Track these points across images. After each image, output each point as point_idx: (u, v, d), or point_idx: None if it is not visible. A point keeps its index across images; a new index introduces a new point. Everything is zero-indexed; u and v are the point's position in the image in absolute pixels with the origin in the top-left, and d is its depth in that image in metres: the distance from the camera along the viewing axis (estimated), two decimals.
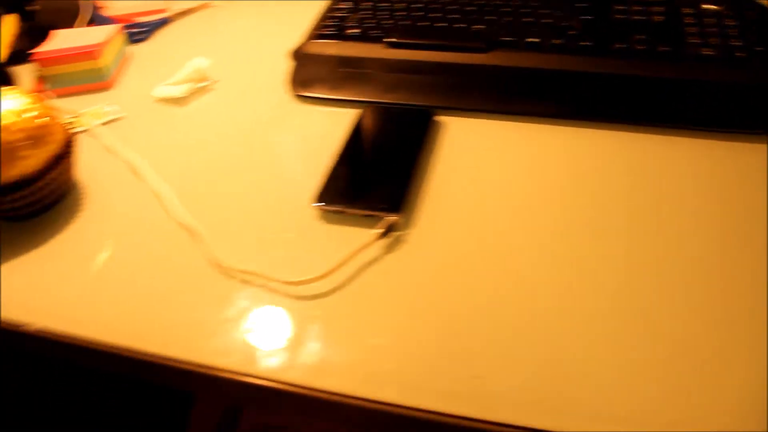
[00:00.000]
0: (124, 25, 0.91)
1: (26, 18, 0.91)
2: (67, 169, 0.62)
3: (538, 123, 0.66)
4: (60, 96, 0.79)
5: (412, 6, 0.81)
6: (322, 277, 0.51)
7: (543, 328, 0.47)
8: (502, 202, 0.57)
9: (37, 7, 0.92)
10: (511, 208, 0.57)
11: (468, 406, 0.43)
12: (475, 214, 0.57)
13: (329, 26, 0.80)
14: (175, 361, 0.48)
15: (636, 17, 0.75)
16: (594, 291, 0.49)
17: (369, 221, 0.56)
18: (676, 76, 0.67)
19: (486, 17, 0.77)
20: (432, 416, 0.43)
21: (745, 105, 0.64)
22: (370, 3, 0.83)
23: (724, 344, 0.45)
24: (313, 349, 0.47)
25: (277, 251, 0.55)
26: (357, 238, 0.54)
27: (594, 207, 0.56)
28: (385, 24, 0.79)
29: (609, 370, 0.44)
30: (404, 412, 0.43)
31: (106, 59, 0.79)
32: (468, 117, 0.68)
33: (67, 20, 0.92)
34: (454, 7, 0.80)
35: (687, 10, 0.75)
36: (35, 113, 0.59)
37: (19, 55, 0.86)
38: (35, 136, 0.58)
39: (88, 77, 0.79)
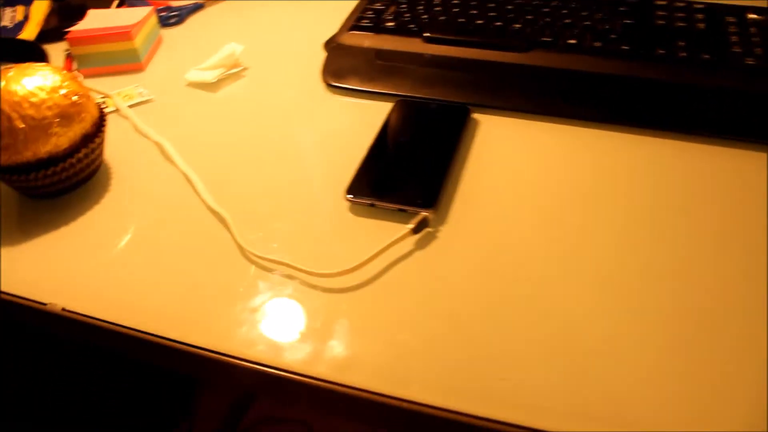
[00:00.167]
0: (157, 8, 0.90)
1: None
2: (97, 149, 0.61)
3: (574, 125, 0.64)
4: (91, 76, 0.79)
5: (450, 2, 0.80)
6: (351, 270, 0.50)
7: (571, 330, 0.46)
8: (533, 204, 0.56)
9: None
10: (542, 209, 0.56)
11: (494, 408, 0.41)
12: (507, 213, 0.55)
13: (366, 18, 0.79)
14: (198, 348, 0.47)
15: (678, 23, 0.73)
16: (616, 292, 0.48)
17: (401, 216, 0.55)
18: (719, 84, 0.66)
19: (525, 17, 0.76)
20: (458, 417, 0.42)
21: None
22: None
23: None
24: (339, 344, 0.46)
25: (306, 242, 0.54)
26: (388, 233, 0.53)
27: (625, 213, 0.55)
28: (423, 19, 0.78)
29: (625, 373, 0.43)
30: (429, 411, 0.42)
31: (139, 41, 0.79)
32: (503, 116, 0.67)
33: (100, 1, 0.92)
34: (493, 5, 0.79)
35: (730, 19, 0.74)
36: (67, 91, 0.58)
37: (50, 34, 0.86)
38: (66, 114, 0.57)
39: (120, 58, 0.78)
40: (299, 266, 0.51)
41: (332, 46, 0.78)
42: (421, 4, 0.80)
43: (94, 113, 0.61)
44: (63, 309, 0.50)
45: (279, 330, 0.47)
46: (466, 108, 0.65)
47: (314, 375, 0.44)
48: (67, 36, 0.77)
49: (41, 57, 0.80)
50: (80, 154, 0.58)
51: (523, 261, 0.51)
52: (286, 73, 0.77)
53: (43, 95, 0.56)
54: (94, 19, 0.80)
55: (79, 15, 0.82)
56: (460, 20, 0.76)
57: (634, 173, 0.59)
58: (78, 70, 0.79)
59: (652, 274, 0.49)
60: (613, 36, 0.72)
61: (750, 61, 0.67)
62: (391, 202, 0.55)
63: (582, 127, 0.64)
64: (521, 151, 0.62)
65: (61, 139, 0.57)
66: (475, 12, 0.77)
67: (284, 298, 0.50)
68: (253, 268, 0.53)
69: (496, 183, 0.58)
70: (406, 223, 0.53)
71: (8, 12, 0.88)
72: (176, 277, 0.52)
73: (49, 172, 0.57)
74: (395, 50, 0.75)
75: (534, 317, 0.47)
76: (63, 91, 0.58)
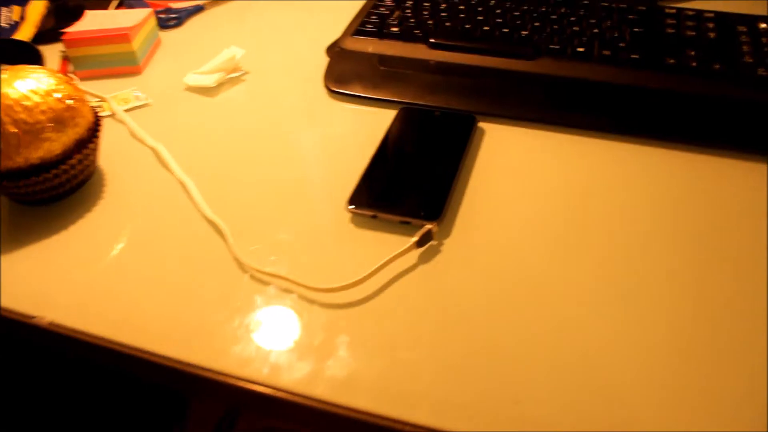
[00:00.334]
0: (156, 10, 0.89)
1: None
2: (91, 155, 0.59)
3: (583, 136, 0.63)
4: (87, 78, 0.77)
5: (456, 8, 0.78)
6: (352, 285, 0.49)
7: (583, 345, 0.44)
8: (541, 216, 0.54)
9: None
10: (549, 221, 0.54)
11: None
12: (513, 227, 0.54)
13: (370, 23, 0.77)
14: (192, 366, 0.45)
15: (688, 32, 0.72)
16: (626, 303, 0.47)
17: (404, 228, 0.53)
18: (730, 95, 0.64)
19: (532, 23, 0.74)
20: None
21: None
22: (413, 2, 0.80)
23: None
24: (339, 363, 0.44)
25: (306, 255, 0.52)
26: (391, 246, 0.51)
27: (635, 224, 0.53)
28: (428, 24, 0.76)
29: (631, 377, 0.41)
30: None
31: (137, 43, 0.77)
32: (509, 125, 0.65)
33: (99, 2, 0.90)
34: (500, 11, 0.77)
35: (741, 28, 0.72)
36: (61, 95, 0.56)
37: (47, 35, 0.84)
38: (60, 119, 0.55)
39: (117, 61, 0.77)
40: (298, 280, 0.49)
41: (335, 50, 0.77)
42: (426, 10, 0.78)
43: (89, 118, 0.59)
44: (51, 323, 0.48)
45: (276, 347, 0.46)
46: (472, 117, 0.64)
47: (313, 396, 0.43)
48: (63, 37, 0.75)
49: (37, 58, 0.78)
50: (73, 160, 0.57)
51: (530, 275, 0.49)
52: (288, 78, 0.75)
53: (36, 99, 0.54)
54: (92, 21, 0.79)
55: (77, 16, 0.81)
56: (466, 26, 0.75)
57: (643, 184, 0.57)
58: (74, 72, 0.77)
59: (662, 284, 0.48)
60: (622, 44, 0.70)
61: (762, 72, 0.65)
62: (394, 213, 0.54)
63: (591, 138, 0.63)
64: (528, 161, 0.60)
65: (54, 144, 0.55)
66: (481, 18, 0.76)
67: (282, 313, 0.48)
68: (246, 276, 0.51)
69: (502, 195, 0.57)
70: (410, 235, 0.52)
71: (4, 12, 0.86)
72: (170, 290, 0.50)
73: (41, 178, 0.55)
74: (400, 56, 0.73)
75: (545, 333, 0.45)
76: (57, 95, 0.56)
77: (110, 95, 0.73)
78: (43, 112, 0.54)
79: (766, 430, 0.39)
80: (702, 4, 0.79)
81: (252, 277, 0.51)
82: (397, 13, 0.79)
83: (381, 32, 0.76)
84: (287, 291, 0.50)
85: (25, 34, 0.83)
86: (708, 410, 0.40)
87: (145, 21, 0.80)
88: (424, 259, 0.51)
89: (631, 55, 0.68)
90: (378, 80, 0.71)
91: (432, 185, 0.56)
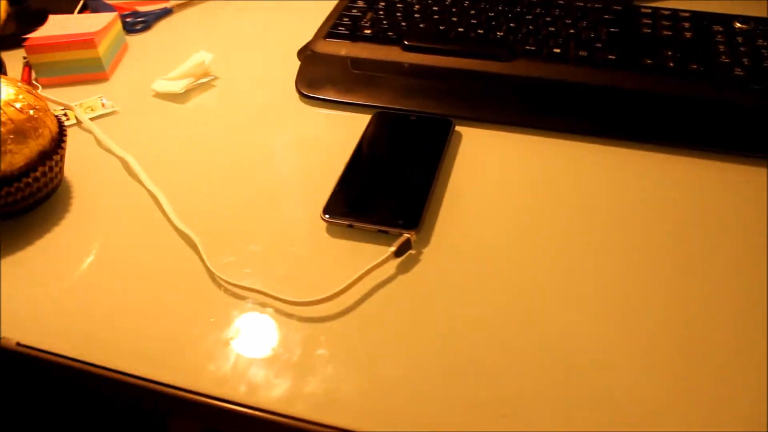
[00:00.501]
0: (122, 13, 0.86)
1: (17, 1, 0.86)
2: (56, 167, 0.57)
3: (561, 138, 0.62)
4: (50, 86, 0.75)
5: (430, 9, 0.77)
6: (329, 298, 0.47)
7: (568, 351, 0.44)
8: (520, 221, 0.53)
9: None
10: (529, 227, 0.53)
11: None
12: (493, 233, 0.53)
13: (342, 25, 0.76)
14: (165, 386, 0.43)
15: (665, 32, 0.71)
16: (607, 306, 0.46)
17: (381, 237, 0.52)
18: (708, 96, 0.64)
19: (507, 24, 0.73)
20: None
21: None
22: (386, 3, 0.79)
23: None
24: (319, 379, 0.43)
25: (281, 266, 0.51)
26: (369, 256, 0.50)
27: (611, 226, 0.53)
28: (402, 26, 0.74)
29: (623, 380, 0.41)
30: None
31: (102, 49, 0.75)
32: (486, 128, 0.64)
33: (62, 5, 0.87)
34: (474, 11, 0.76)
35: (717, 28, 0.72)
36: (22, 105, 0.54)
37: (7, 40, 0.82)
38: (22, 130, 0.53)
39: (82, 67, 0.74)
40: (274, 294, 0.48)
41: (306, 54, 0.75)
42: (399, 11, 0.77)
43: (53, 128, 0.57)
44: (18, 343, 0.46)
45: (253, 364, 0.44)
46: (449, 121, 0.62)
47: (292, 414, 0.41)
48: (26, 43, 0.73)
49: None
50: (37, 173, 0.54)
51: (513, 283, 0.48)
52: (258, 83, 0.73)
53: None
54: (55, 25, 0.76)
55: (39, 20, 0.78)
56: (440, 28, 0.73)
57: (620, 187, 0.56)
58: (37, 79, 0.75)
59: (643, 286, 0.48)
60: (598, 45, 0.69)
61: (738, 72, 0.65)
62: (370, 222, 0.52)
63: (569, 141, 0.62)
64: (507, 165, 0.59)
65: (16, 157, 0.53)
66: (455, 19, 0.75)
67: (258, 328, 0.46)
68: (220, 290, 0.49)
69: (481, 200, 0.56)
70: (388, 245, 0.50)
71: None
72: (141, 306, 0.48)
73: (3, 192, 0.53)
74: (373, 59, 0.72)
75: (530, 343, 0.44)
76: (18, 105, 0.54)
77: (76, 103, 0.70)
78: (3, 123, 0.52)
79: (766, 430, 0.39)
80: (678, 3, 0.78)
81: (226, 291, 0.49)
82: (369, 15, 0.77)
83: (354, 34, 0.74)
84: (263, 305, 0.48)
85: None
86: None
87: (111, 25, 0.77)
88: (402, 269, 0.50)
89: (608, 56, 0.68)
90: (351, 84, 0.69)
91: (409, 192, 0.54)
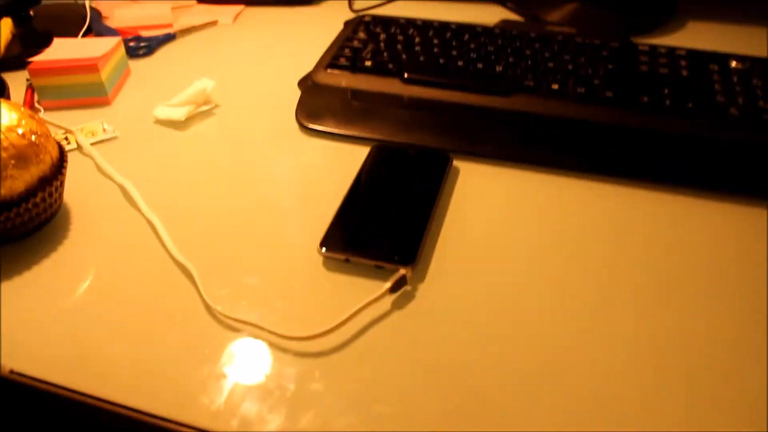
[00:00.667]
0: (126, 38, 0.87)
1: (22, 22, 0.87)
2: (55, 192, 0.57)
3: (559, 175, 0.62)
4: (52, 109, 0.75)
5: (430, 42, 0.78)
6: (324, 333, 0.47)
7: (566, 389, 0.43)
8: (517, 259, 0.54)
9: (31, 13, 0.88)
10: (526, 264, 0.53)
11: None
12: (490, 270, 0.53)
13: (343, 56, 0.77)
14: (157, 418, 0.43)
15: (662, 70, 0.72)
16: (605, 345, 0.46)
17: (377, 273, 0.52)
18: (705, 135, 0.64)
19: (507, 59, 0.74)
20: None
21: None
22: (386, 36, 0.80)
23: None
24: (312, 415, 0.43)
25: (277, 299, 0.51)
26: (364, 291, 0.50)
27: (610, 264, 0.53)
28: (402, 59, 0.75)
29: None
30: None
31: (105, 73, 0.75)
32: (484, 164, 0.64)
33: (67, 27, 0.88)
34: (474, 45, 0.76)
35: (713, 66, 0.73)
36: (24, 130, 0.54)
37: (12, 61, 0.82)
38: (23, 156, 0.53)
39: (85, 91, 0.75)
40: (269, 328, 0.48)
41: (307, 84, 0.76)
42: (400, 44, 0.78)
43: (54, 153, 0.57)
44: (11, 371, 0.46)
45: (246, 398, 0.44)
46: (447, 156, 0.63)
47: None
48: (30, 66, 0.73)
49: (0, 87, 0.76)
50: (37, 199, 0.55)
51: (509, 320, 0.49)
52: (259, 112, 0.74)
53: None
54: (59, 49, 0.77)
55: (44, 42, 0.79)
56: (440, 61, 0.74)
57: (618, 224, 0.57)
58: (39, 102, 0.75)
59: (642, 324, 0.48)
60: (596, 82, 0.70)
61: (734, 112, 0.65)
62: (367, 257, 0.52)
63: (566, 177, 0.62)
64: (504, 201, 0.60)
65: (17, 182, 0.53)
66: (455, 53, 0.75)
67: (253, 362, 0.46)
68: (215, 322, 0.49)
69: (477, 237, 0.56)
70: (383, 280, 0.50)
71: None
72: (136, 336, 0.49)
73: (2, 217, 0.53)
74: (373, 91, 0.73)
75: (526, 380, 0.44)
76: (20, 131, 0.54)
77: (77, 127, 0.71)
78: (4, 149, 0.52)
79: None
80: (675, 40, 0.79)
81: (221, 323, 0.49)
82: (370, 47, 0.78)
83: (354, 66, 0.75)
84: (258, 338, 0.48)
85: None
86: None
87: (114, 50, 0.78)
88: (398, 305, 0.50)
89: (606, 93, 0.68)
90: (351, 116, 0.70)
91: (406, 227, 0.55)
